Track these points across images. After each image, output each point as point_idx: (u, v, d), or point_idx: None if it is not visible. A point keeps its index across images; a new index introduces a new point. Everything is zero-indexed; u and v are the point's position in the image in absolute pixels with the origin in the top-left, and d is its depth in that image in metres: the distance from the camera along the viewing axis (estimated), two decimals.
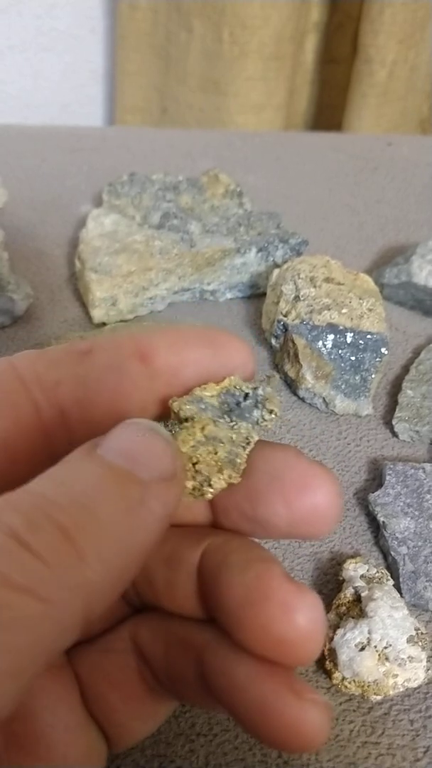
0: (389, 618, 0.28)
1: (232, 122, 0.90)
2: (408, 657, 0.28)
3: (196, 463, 0.19)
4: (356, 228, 0.53)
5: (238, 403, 0.21)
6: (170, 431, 0.19)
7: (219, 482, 0.18)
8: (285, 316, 0.38)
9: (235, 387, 0.21)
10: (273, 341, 0.40)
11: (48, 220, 0.50)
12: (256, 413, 0.21)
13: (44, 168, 0.56)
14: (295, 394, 0.39)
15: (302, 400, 0.39)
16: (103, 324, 0.41)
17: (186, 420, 0.20)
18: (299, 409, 0.38)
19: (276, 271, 0.40)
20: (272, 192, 0.55)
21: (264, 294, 0.42)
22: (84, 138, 0.61)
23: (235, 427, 0.20)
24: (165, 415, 0.20)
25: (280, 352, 0.40)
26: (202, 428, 0.19)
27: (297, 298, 0.38)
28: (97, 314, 0.40)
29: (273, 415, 0.21)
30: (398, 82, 0.88)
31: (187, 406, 0.20)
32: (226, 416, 0.20)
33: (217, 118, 0.91)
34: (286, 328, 0.38)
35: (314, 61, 0.95)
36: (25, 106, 0.87)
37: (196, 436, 0.19)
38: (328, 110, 0.98)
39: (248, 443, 0.19)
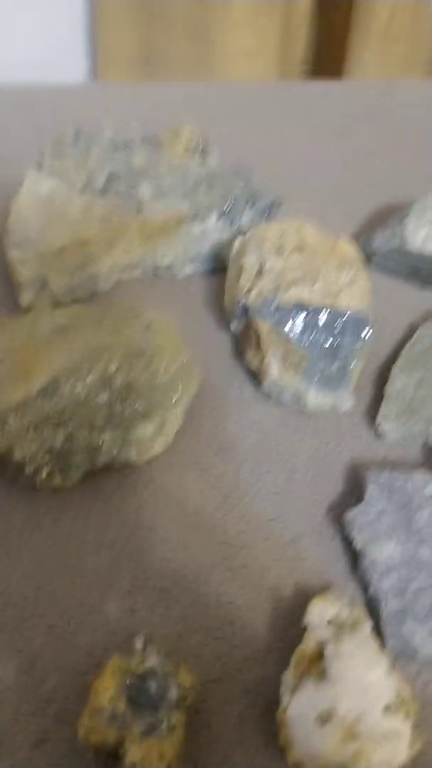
0: (360, 682, 0.22)
1: (221, 72, 0.83)
2: (383, 732, 0.22)
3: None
4: (344, 186, 0.46)
5: (145, 691, 0.20)
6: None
7: None
8: (246, 294, 0.32)
9: (126, 672, 0.20)
10: (233, 325, 0.33)
11: None
12: (172, 691, 0.21)
13: None
14: (258, 388, 0.32)
15: (267, 395, 0.32)
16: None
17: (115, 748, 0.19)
18: (263, 406, 0.32)
19: (238, 240, 0.34)
20: (250, 149, 0.48)
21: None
22: (43, 96, 0.54)
23: (163, 721, 0.20)
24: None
25: (242, 338, 0.33)
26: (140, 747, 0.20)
27: (260, 272, 0.32)
28: (25, 298, 0.34)
29: (191, 688, 0.21)
30: (402, 22, 0.80)
31: (106, 731, 0.19)
32: (146, 713, 0.20)
33: (205, 68, 0.83)
34: (247, 309, 0.32)
35: (311, 2, 0.86)
36: (3, 64, 0.80)
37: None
38: (328, 56, 0.90)
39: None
